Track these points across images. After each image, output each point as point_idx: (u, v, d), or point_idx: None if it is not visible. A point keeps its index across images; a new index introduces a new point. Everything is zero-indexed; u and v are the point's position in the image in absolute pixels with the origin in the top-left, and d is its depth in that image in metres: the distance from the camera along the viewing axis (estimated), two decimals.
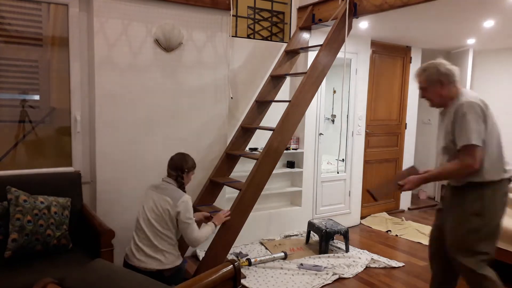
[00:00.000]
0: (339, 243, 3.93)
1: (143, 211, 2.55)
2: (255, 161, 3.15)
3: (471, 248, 2.16)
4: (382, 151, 5.09)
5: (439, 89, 2.26)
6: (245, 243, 3.87)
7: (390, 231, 4.47)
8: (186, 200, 2.52)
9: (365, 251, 3.81)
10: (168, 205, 2.47)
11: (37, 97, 3.03)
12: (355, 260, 3.55)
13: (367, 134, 4.81)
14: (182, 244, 3.37)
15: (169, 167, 2.68)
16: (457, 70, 2.33)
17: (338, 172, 4.57)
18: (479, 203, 2.13)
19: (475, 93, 2.25)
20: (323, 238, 3.69)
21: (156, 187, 2.61)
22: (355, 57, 4.51)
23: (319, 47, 3.41)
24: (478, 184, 2.13)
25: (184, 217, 2.47)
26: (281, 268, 3.35)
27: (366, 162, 4.84)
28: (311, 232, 3.95)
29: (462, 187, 2.19)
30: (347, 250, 3.75)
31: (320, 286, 3.06)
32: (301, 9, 4.04)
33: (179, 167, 2.66)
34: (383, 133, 5.07)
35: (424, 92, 2.33)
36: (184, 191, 2.61)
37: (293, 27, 4.07)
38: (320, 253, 3.67)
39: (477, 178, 2.12)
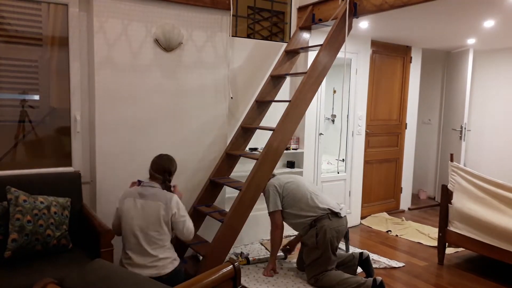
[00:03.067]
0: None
1: (130, 223, 2.42)
2: (255, 161, 3.15)
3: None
4: (382, 151, 5.08)
5: None
6: (245, 243, 3.87)
7: (390, 231, 4.47)
8: (177, 199, 2.49)
9: (365, 250, 3.80)
10: (162, 210, 2.39)
11: (37, 97, 3.03)
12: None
13: (367, 134, 4.80)
14: (182, 244, 3.37)
15: (154, 170, 2.55)
16: None
17: (338, 172, 4.56)
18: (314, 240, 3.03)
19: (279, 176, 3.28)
20: None
21: (141, 195, 2.46)
22: (355, 57, 4.51)
23: (319, 47, 3.41)
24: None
25: (180, 215, 2.45)
26: (281, 268, 3.35)
27: (366, 162, 4.84)
28: None
29: None
30: (347, 251, 3.72)
31: None
32: (301, 9, 4.04)
33: (167, 170, 2.56)
34: (383, 133, 5.07)
35: None
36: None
37: (293, 27, 4.07)
38: None
39: None
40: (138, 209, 2.43)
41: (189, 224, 2.52)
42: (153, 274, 2.36)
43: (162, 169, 2.55)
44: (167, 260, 2.43)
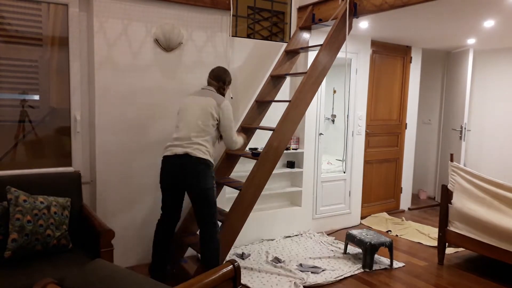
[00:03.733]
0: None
1: (184, 111, 2.76)
2: (255, 161, 3.15)
3: None
4: (382, 151, 5.09)
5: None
6: (245, 243, 3.87)
7: (390, 231, 4.47)
8: (228, 104, 2.81)
9: None
10: (212, 105, 2.72)
11: (37, 97, 3.03)
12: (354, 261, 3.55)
13: (367, 134, 4.80)
14: (182, 243, 3.38)
15: (211, 77, 2.93)
16: None
17: (344, 172, 4.56)
18: None
19: None
20: (368, 252, 3.38)
21: (197, 92, 2.85)
22: (355, 57, 4.51)
23: (319, 47, 3.41)
24: None
25: (227, 117, 2.77)
26: (281, 268, 3.35)
27: (366, 162, 4.84)
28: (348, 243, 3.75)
29: None
30: (391, 265, 3.47)
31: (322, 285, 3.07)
32: (301, 9, 4.04)
33: (222, 78, 2.93)
34: (383, 133, 5.07)
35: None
36: None
37: (293, 27, 4.07)
38: (364, 268, 3.40)
39: None
40: (194, 102, 2.78)
41: (234, 133, 2.85)
42: (184, 152, 2.65)
43: (218, 77, 2.93)
44: (202, 147, 2.67)
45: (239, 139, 2.95)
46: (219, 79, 2.93)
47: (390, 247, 3.47)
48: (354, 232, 3.64)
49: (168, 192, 2.83)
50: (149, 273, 2.93)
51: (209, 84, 2.94)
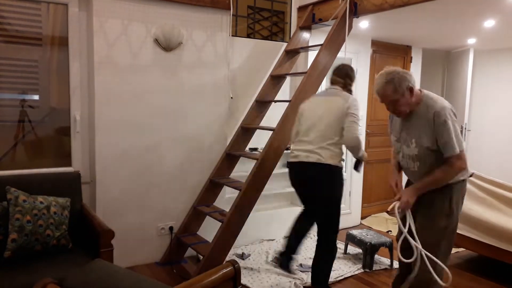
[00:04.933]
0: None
1: (309, 114, 2.68)
2: (255, 161, 3.15)
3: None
4: (382, 151, 5.08)
5: (409, 97, 2.12)
6: (245, 243, 3.86)
7: (390, 231, 4.47)
8: (356, 98, 2.66)
9: None
10: (339, 103, 2.59)
11: (36, 97, 3.03)
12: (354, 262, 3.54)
13: (368, 134, 4.80)
14: (183, 243, 3.38)
15: (336, 75, 2.78)
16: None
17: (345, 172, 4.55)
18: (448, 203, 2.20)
19: (436, 94, 2.20)
20: (368, 252, 3.37)
21: (323, 92, 2.78)
22: (356, 57, 4.51)
23: (319, 47, 3.41)
24: (448, 184, 2.18)
25: (352, 110, 2.56)
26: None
27: (367, 163, 4.83)
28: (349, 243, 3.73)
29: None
30: (391, 265, 3.47)
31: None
32: (301, 8, 4.04)
33: (348, 75, 2.77)
34: (384, 133, 5.06)
35: (396, 105, 2.13)
36: None
37: (293, 27, 4.06)
38: (364, 268, 3.40)
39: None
40: (319, 103, 2.70)
41: (356, 129, 2.58)
42: (315, 160, 2.59)
43: (344, 74, 2.76)
44: (328, 152, 2.60)
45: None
46: (346, 76, 2.78)
47: (390, 247, 3.46)
48: (354, 232, 3.63)
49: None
50: (279, 258, 2.95)
51: (334, 82, 2.79)
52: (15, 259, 2.32)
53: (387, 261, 3.56)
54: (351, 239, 3.60)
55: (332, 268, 3.35)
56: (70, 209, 2.65)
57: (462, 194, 2.24)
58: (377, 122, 4.96)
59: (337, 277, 3.21)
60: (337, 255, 3.66)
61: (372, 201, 5.05)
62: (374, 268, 3.41)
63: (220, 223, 3.07)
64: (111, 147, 3.13)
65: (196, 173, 3.54)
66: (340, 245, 3.92)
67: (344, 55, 3.48)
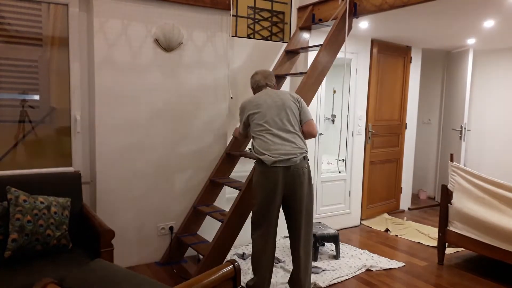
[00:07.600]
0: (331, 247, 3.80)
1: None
2: (255, 161, 3.14)
3: None
4: (385, 152, 5.06)
5: None
6: (245, 243, 3.87)
7: (388, 230, 4.47)
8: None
9: (365, 250, 3.81)
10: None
11: (37, 97, 3.03)
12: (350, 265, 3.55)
13: (373, 135, 4.78)
14: (183, 242, 3.38)
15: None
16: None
17: (340, 172, 4.54)
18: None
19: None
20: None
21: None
22: (355, 57, 4.51)
23: (319, 47, 3.41)
24: None
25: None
26: (281, 268, 3.35)
27: (370, 163, 4.81)
28: None
29: None
30: (337, 257, 3.57)
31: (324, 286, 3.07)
32: (301, 9, 4.04)
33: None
34: (386, 133, 5.05)
35: None
36: None
37: (293, 27, 4.07)
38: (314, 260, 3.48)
39: None
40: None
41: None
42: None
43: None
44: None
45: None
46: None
47: (335, 240, 3.57)
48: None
49: None
50: None
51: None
52: (15, 259, 2.32)
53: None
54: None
55: (333, 268, 3.36)
56: (71, 209, 2.65)
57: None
58: (381, 122, 4.92)
59: (338, 277, 3.21)
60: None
61: (375, 202, 4.98)
62: (374, 266, 3.44)
63: (220, 223, 3.08)
64: (111, 147, 3.13)
65: (196, 173, 3.55)
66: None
67: (344, 55, 3.48)
